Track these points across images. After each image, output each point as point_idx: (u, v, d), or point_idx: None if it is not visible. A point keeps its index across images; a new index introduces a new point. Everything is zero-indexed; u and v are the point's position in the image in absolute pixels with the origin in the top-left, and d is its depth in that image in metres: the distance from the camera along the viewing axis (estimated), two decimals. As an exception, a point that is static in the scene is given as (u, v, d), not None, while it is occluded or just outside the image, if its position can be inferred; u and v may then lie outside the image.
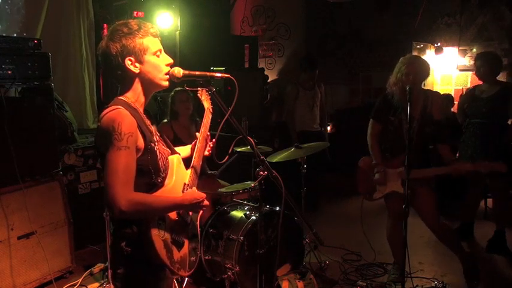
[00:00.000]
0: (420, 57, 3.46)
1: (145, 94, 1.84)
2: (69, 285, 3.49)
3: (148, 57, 1.79)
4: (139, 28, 1.77)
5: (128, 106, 1.75)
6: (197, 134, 2.20)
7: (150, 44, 1.79)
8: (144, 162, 1.74)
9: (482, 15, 6.09)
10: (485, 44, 6.03)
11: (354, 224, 4.89)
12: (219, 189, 3.61)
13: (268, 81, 6.69)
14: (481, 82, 4.23)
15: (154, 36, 1.82)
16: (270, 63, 7.59)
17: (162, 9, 5.51)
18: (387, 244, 3.63)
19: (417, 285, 3.41)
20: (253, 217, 3.26)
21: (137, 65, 1.77)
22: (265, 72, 6.33)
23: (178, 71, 1.91)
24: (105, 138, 1.66)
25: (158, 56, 1.82)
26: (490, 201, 4.80)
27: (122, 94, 1.82)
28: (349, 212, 5.39)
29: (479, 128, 4.12)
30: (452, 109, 5.56)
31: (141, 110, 1.83)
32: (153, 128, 1.87)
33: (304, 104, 5.32)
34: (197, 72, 1.99)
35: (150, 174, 1.78)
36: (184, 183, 1.97)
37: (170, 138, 4.04)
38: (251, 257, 3.14)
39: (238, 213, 3.42)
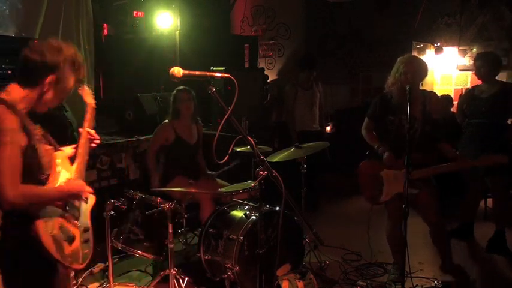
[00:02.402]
0: (418, 57, 3.47)
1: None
2: (69, 285, 3.48)
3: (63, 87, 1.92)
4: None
5: (8, 106, 1.79)
6: (80, 129, 2.26)
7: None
8: (28, 160, 1.81)
9: (482, 15, 6.09)
10: (485, 44, 6.03)
11: (353, 224, 4.90)
12: (219, 189, 3.61)
13: (268, 81, 6.69)
14: (480, 82, 4.23)
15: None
16: (270, 63, 7.59)
17: (162, 9, 5.50)
18: (387, 244, 3.63)
19: (417, 285, 3.41)
20: (253, 217, 3.26)
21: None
22: (265, 72, 6.33)
23: (178, 71, 1.92)
24: None
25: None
26: (490, 201, 4.79)
27: (7, 93, 1.85)
28: (349, 212, 5.39)
29: (478, 128, 4.12)
30: (452, 109, 5.56)
31: (24, 111, 1.86)
32: (35, 129, 1.90)
33: (303, 103, 5.32)
34: (197, 72, 1.99)
35: (34, 172, 1.85)
36: (68, 179, 2.03)
37: (171, 138, 4.07)
38: (251, 257, 3.14)
39: (238, 213, 3.42)
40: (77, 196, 2.04)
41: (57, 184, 1.95)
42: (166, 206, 3.09)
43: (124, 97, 5.59)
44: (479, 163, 3.14)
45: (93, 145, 2.31)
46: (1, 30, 4.55)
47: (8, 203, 1.70)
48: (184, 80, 1.96)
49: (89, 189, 2.08)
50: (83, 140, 2.23)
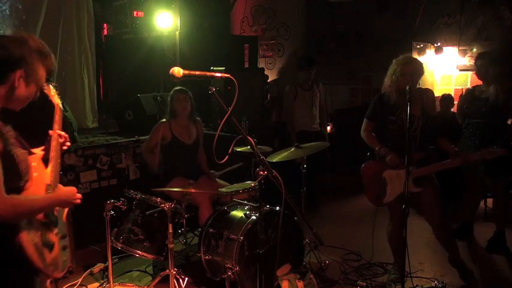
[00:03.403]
0: (413, 58, 3.49)
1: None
2: (69, 285, 3.48)
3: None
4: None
5: None
6: (50, 131, 2.13)
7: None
8: (5, 167, 1.67)
9: (482, 15, 6.08)
10: (485, 44, 6.02)
11: (353, 224, 4.90)
12: (219, 189, 3.61)
13: (268, 81, 6.69)
14: (480, 82, 4.22)
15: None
16: (270, 63, 7.59)
17: (162, 9, 5.50)
18: (387, 244, 3.63)
19: (417, 285, 3.41)
20: (253, 217, 3.26)
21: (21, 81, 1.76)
22: (265, 72, 6.33)
23: (178, 71, 1.91)
24: None
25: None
26: (490, 201, 4.79)
27: None
28: (349, 212, 5.39)
29: (478, 128, 4.11)
30: (452, 109, 5.56)
31: None
32: (8, 131, 1.78)
33: (303, 104, 5.31)
34: (197, 72, 1.99)
35: (13, 179, 1.72)
36: (46, 184, 1.92)
37: (168, 138, 4.07)
38: (251, 257, 3.15)
39: (238, 213, 3.41)
40: (68, 203, 1.97)
41: (35, 190, 1.84)
42: (167, 206, 3.09)
43: (124, 97, 5.59)
44: (480, 157, 3.15)
45: (64, 147, 2.18)
46: (1, 30, 4.56)
47: None
48: (184, 80, 1.96)
49: (79, 195, 1.98)
50: (54, 143, 2.09)
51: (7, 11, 4.65)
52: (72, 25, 5.20)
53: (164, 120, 4.12)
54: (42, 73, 1.83)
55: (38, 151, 2.08)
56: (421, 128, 3.29)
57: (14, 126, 1.83)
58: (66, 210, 2.08)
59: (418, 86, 3.38)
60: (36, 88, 1.84)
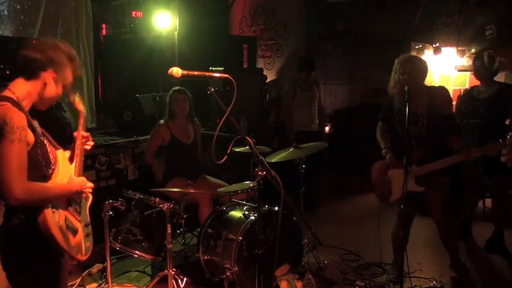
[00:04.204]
0: (415, 56, 3.48)
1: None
2: (68, 286, 3.47)
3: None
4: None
5: (14, 103, 1.85)
6: (75, 133, 2.37)
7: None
8: (35, 155, 1.90)
9: (481, 16, 6.09)
10: (483, 44, 6.02)
11: (352, 224, 4.90)
12: (218, 190, 3.61)
13: (267, 81, 6.69)
14: (479, 83, 4.23)
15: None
16: (269, 63, 7.58)
17: (160, 9, 5.49)
18: (386, 244, 3.63)
19: (415, 285, 3.41)
20: (252, 217, 3.26)
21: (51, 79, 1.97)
22: (264, 73, 6.33)
23: (177, 71, 1.92)
24: None
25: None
26: (488, 201, 4.80)
27: (12, 91, 1.90)
28: (348, 212, 5.39)
29: (476, 129, 4.12)
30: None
31: (27, 108, 1.94)
32: (38, 126, 1.99)
33: (302, 104, 5.32)
34: (196, 73, 1.99)
35: (41, 166, 1.94)
36: (70, 176, 2.12)
37: (167, 138, 4.07)
38: (250, 257, 3.15)
39: (237, 213, 3.42)
40: (80, 192, 2.14)
41: (60, 180, 2.03)
42: (165, 206, 3.09)
43: (123, 97, 5.58)
44: (482, 152, 3.13)
45: (87, 147, 2.41)
46: (0, 30, 4.56)
47: (15, 199, 1.77)
48: (183, 80, 1.96)
49: (90, 184, 2.19)
50: (78, 142, 2.32)
51: (5, 11, 4.64)
52: (71, 25, 5.19)
53: (162, 121, 4.12)
54: (69, 76, 2.03)
55: (66, 152, 2.27)
56: (427, 127, 3.27)
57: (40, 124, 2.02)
58: (89, 201, 2.29)
59: (428, 85, 3.36)
60: (62, 91, 2.03)
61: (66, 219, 2.00)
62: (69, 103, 2.23)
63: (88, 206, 2.29)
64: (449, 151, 3.31)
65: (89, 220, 2.25)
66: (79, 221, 2.12)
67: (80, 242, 2.09)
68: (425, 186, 3.22)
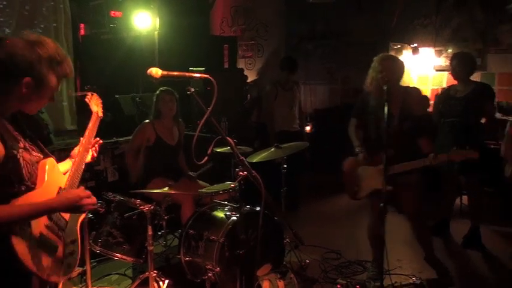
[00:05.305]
0: (392, 56, 3.54)
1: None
2: (47, 290, 3.41)
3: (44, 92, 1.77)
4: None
5: None
6: (81, 138, 2.13)
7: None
8: (5, 171, 1.64)
9: (458, 17, 6.21)
10: (460, 45, 6.15)
11: (333, 223, 4.95)
12: (199, 190, 3.60)
13: (248, 81, 6.69)
14: (456, 82, 4.31)
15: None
16: (250, 64, 7.59)
17: (140, 9, 5.44)
18: (366, 242, 3.67)
19: (395, 282, 3.46)
20: (234, 218, 3.25)
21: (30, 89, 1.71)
22: (245, 73, 6.34)
23: (156, 72, 1.90)
24: None
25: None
26: (465, 198, 4.90)
27: None
28: (328, 211, 5.44)
29: (454, 127, 4.20)
30: (428, 109, 5.65)
31: (2, 117, 1.72)
32: (19, 135, 1.77)
33: (283, 104, 5.34)
34: (175, 73, 1.98)
35: (11, 183, 1.67)
36: (60, 187, 1.87)
37: (152, 139, 4.03)
38: (232, 258, 3.14)
39: (218, 214, 3.41)
40: (73, 208, 1.79)
41: (42, 192, 1.76)
42: (146, 208, 3.06)
43: (102, 98, 5.50)
44: (450, 158, 3.17)
45: (89, 159, 2.14)
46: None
47: None
48: (163, 80, 1.95)
49: (89, 201, 1.80)
50: (81, 149, 2.06)
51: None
52: (49, 25, 5.09)
53: (147, 121, 4.08)
54: (53, 80, 1.77)
55: (67, 163, 2.10)
56: (398, 127, 3.31)
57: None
58: (82, 216, 1.99)
59: (403, 85, 3.41)
60: (47, 96, 1.80)
61: (41, 235, 1.72)
62: (47, 104, 2.01)
63: (80, 220, 1.99)
64: (420, 152, 3.37)
65: (76, 236, 1.95)
66: (61, 237, 1.83)
67: (58, 262, 1.80)
68: (393, 185, 3.24)
